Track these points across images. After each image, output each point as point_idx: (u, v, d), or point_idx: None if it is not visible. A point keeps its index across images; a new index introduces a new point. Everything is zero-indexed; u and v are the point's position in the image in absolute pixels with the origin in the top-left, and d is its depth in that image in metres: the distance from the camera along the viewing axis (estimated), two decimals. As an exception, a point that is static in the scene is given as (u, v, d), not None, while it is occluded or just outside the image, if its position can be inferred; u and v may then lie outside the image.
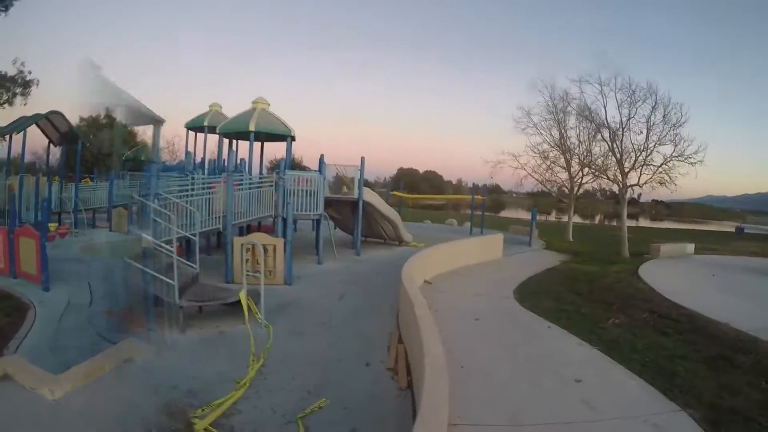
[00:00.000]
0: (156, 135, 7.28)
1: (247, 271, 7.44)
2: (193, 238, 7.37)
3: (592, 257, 15.84)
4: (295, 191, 10.49)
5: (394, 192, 23.93)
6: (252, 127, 11.85)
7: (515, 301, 8.52)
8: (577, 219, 36.17)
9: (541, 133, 22.07)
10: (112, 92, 6.18)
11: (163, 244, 6.29)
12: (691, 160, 17.00)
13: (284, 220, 9.56)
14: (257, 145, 14.74)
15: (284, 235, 9.12)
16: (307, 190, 10.66)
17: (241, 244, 8.28)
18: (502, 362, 5.35)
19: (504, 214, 50.72)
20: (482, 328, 6.54)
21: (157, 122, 6.62)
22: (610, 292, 9.95)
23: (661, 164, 17.43)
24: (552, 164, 22.48)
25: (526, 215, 30.73)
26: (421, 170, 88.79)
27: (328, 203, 12.35)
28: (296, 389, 4.35)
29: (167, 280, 5.80)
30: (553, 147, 22.06)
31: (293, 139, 13.03)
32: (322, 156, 11.55)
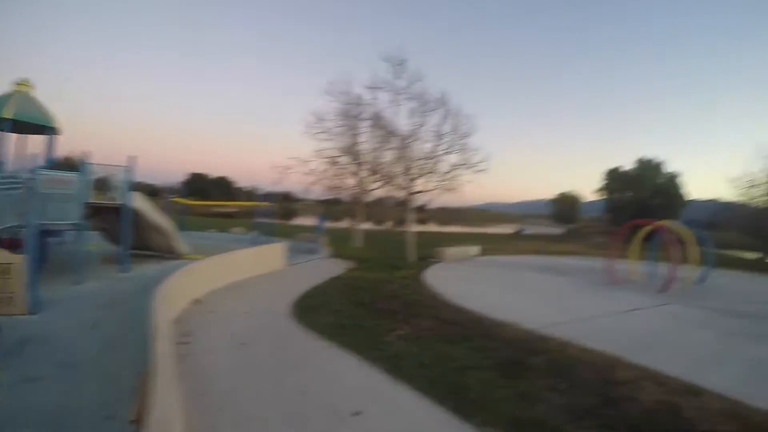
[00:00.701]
0: None
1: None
2: None
3: (378, 263, 18.05)
4: (50, 196, 10.98)
5: (176, 198, 26.57)
6: (7, 114, 12.63)
7: (291, 317, 9.06)
8: (368, 225, 42.05)
9: (333, 139, 25.84)
10: None
11: None
12: (476, 169, 22.27)
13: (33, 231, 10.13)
14: (32, 139, 15.49)
15: (33, 251, 9.54)
16: (65, 194, 11.26)
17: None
18: (268, 398, 5.27)
19: (296, 221, 60.61)
20: (250, 356, 6.83)
21: None
22: (394, 300, 11.01)
23: (448, 172, 22.11)
24: (341, 170, 26.41)
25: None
26: (213, 175, 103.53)
27: (95, 210, 13.05)
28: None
29: None
30: (343, 153, 25.90)
31: (56, 131, 14.03)
32: (85, 153, 12.42)
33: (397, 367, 6.30)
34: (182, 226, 22.31)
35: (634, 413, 5.22)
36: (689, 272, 17.13)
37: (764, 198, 36.02)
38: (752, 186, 36.11)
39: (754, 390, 6.41)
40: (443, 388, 5.60)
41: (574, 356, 7.32)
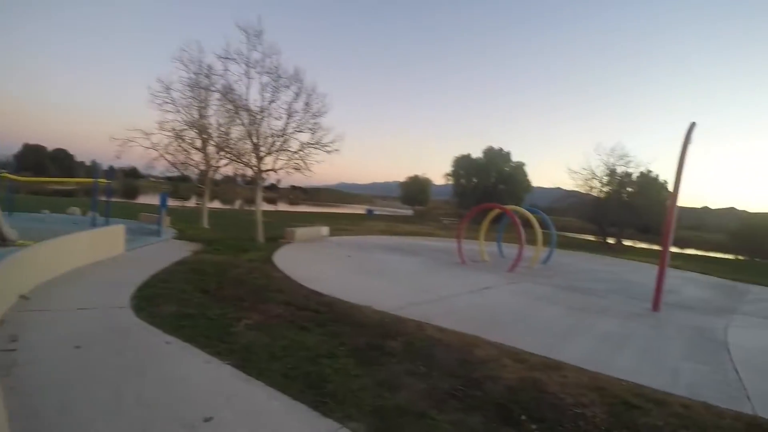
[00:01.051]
0: None
1: None
2: None
3: (226, 245, 17.71)
4: None
5: (5, 174, 25.18)
6: None
7: (131, 310, 8.42)
8: (218, 205, 42.69)
9: (180, 111, 25.25)
10: None
11: None
12: (328, 149, 22.88)
13: None
14: None
15: None
16: None
17: None
18: (107, 412, 4.68)
19: (141, 200, 58.86)
20: (86, 361, 6.15)
21: None
22: (242, 285, 10.62)
23: (297, 151, 22.54)
24: (188, 145, 26.08)
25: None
26: (50, 148, 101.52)
27: None
28: None
29: None
30: (189, 126, 25.47)
31: None
32: None
33: (247, 361, 5.95)
34: (12, 207, 21.35)
35: (498, 392, 5.38)
36: (534, 253, 18.68)
37: (601, 188, 43.37)
38: (592, 178, 43.23)
39: (607, 360, 7.13)
40: (299, 381, 5.35)
41: (433, 337, 7.47)
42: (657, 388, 6.10)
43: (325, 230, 24.60)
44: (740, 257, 44.89)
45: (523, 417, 4.82)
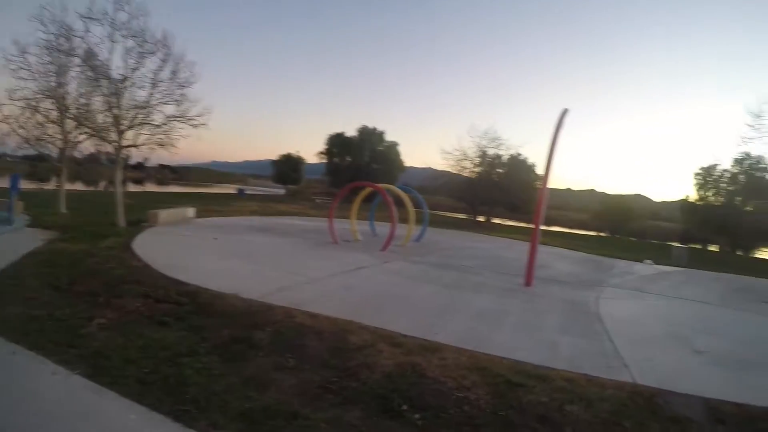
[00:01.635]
0: None
1: None
2: None
3: (83, 232, 16.35)
4: None
5: None
6: None
7: None
8: (80, 186, 39.42)
9: (36, 78, 22.20)
10: None
11: None
12: (194, 123, 21.39)
13: None
14: None
15: None
16: None
17: None
18: None
19: None
20: None
21: None
22: (96, 278, 9.63)
23: (161, 124, 20.88)
24: (44, 118, 23.10)
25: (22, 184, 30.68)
26: None
27: None
28: None
29: None
30: (45, 96, 22.47)
31: None
32: None
33: (99, 367, 5.31)
34: None
35: (376, 381, 5.21)
36: (407, 231, 18.94)
37: (473, 169, 46.00)
38: (463, 159, 45.69)
39: (485, 338, 7.26)
40: (157, 387, 4.84)
41: (303, 325, 7.15)
42: (538, 363, 6.29)
43: (191, 212, 23.32)
44: (602, 234, 50.18)
45: (404, 407, 4.68)
